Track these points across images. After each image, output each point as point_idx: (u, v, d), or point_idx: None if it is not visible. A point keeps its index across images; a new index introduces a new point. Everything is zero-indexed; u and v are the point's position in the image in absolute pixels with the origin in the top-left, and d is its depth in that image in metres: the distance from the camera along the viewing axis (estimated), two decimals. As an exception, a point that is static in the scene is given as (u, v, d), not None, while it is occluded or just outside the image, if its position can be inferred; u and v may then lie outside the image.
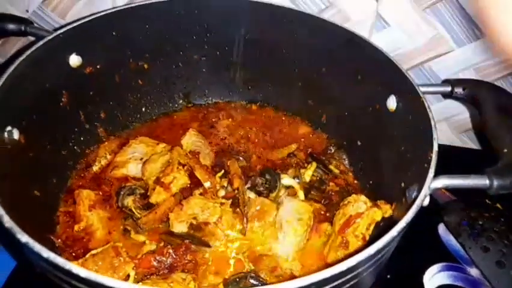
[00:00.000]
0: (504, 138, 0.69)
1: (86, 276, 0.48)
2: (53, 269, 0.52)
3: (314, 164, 0.95)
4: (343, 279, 0.53)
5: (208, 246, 0.81)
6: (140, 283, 0.72)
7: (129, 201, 0.87)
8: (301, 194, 0.90)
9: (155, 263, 0.76)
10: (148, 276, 0.74)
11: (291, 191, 0.90)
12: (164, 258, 0.76)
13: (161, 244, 0.80)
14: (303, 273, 0.78)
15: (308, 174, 0.93)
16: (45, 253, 0.50)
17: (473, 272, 0.93)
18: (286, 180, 0.91)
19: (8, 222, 0.54)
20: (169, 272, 0.75)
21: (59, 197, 0.89)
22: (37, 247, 0.51)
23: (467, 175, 0.64)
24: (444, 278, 0.92)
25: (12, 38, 1.22)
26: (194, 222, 0.83)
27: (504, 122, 0.71)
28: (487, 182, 0.63)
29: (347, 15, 1.06)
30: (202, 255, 0.79)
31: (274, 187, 0.89)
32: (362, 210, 0.79)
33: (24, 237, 0.52)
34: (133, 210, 0.85)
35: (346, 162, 1.00)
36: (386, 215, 0.78)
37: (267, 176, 0.90)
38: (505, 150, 0.67)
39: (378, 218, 0.78)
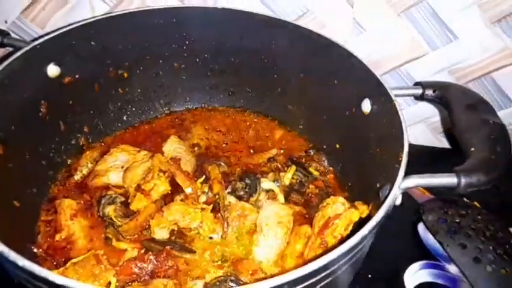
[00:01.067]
0: (471, 138, 0.71)
1: (62, 283, 0.49)
2: (30, 278, 0.52)
3: (293, 167, 0.96)
4: (318, 277, 0.55)
5: (190, 251, 0.82)
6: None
7: (110, 210, 0.87)
8: (281, 197, 0.91)
9: (136, 270, 0.76)
10: (130, 283, 0.75)
11: (271, 194, 0.92)
12: (145, 265, 0.76)
13: (143, 251, 0.80)
14: (283, 275, 0.80)
15: (288, 177, 0.95)
16: (21, 261, 0.51)
17: (452, 269, 0.96)
18: (266, 184, 0.92)
19: (-17, 232, 0.54)
20: (150, 278, 0.76)
21: (39, 206, 0.89)
22: (12, 255, 0.51)
23: (436, 174, 0.66)
24: (425, 275, 0.94)
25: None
26: (175, 228, 0.84)
27: (471, 122, 0.74)
28: (455, 180, 0.65)
29: (323, 21, 1.09)
30: (183, 261, 0.80)
31: (255, 191, 0.90)
32: (339, 212, 0.80)
33: (-1, 247, 0.53)
34: (113, 219, 0.86)
35: (325, 164, 1.02)
36: (364, 216, 0.79)
37: (247, 181, 0.91)
38: (472, 149, 0.69)
39: (356, 219, 0.79)
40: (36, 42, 0.84)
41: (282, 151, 1.05)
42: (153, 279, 0.75)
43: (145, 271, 0.76)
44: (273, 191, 0.92)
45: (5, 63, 0.79)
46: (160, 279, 0.75)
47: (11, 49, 1.09)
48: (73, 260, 0.74)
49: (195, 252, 0.82)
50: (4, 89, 0.78)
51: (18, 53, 0.81)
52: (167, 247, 0.80)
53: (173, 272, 0.77)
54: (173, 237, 0.83)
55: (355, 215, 0.79)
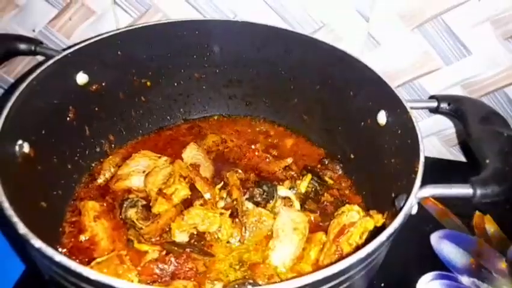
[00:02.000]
0: (486, 149, 0.73)
1: (95, 279, 0.52)
2: (64, 273, 0.55)
3: (309, 176, 0.99)
4: (335, 282, 0.57)
5: (209, 255, 0.84)
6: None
7: (132, 213, 0.90)
8: (297, 204, 0.93)
9: (157, 271, 0.79)
10: (151, 283, 0.77)
11: (287, 201, 0.94)
12: (166, 266, 0.79)
13: (164, 253, 0.82)
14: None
15: (303, 185, 0.97)
16: (58, 257, 0.54)
17: (465, 280, 0.97)
18: (282, 191, 0.94)
19: (22, 229, 0.58)
20: (171, 279, 0.78)
21: (64, 208, 0.92)
22: (50, 251, 0.54)
23: (452, 184, 0.68)
24: (437, 286, 0.95)
25: (19, 56, 1.28)
26: (195, 232, 0.87)
27: (486, 134, 0.76)
28: (471, 191, 0.67)
29: (339, 35, 1.12)
30: (203, 263, 0.82)
31: (272, 198, 0.92)
32: (354, 220, 0.83)
33: (37, 243, 0.56)
34: (135, 221, 0.88)
35: (340, 173, 1.04)
36: (378, 224, 0.81)
37: (264, 188, 0.93)
38: (487, 161, 0.71)
39: (371, 227, 0.81)
40: (68, 51, 0.89)
41: (297, 159, 1.07)
42: (173, 280, 0.78)
43: (165, 272, 0.79)
44: (289, 198, 0.94)
45: (38, 70, 0.83)
46: (180, 280, 0.78)
47: (39, 57, 1.15)
48: (98, 260, 0.77)
49: (213, 255, 0.84)
50: (37, 94, 0.82)
51: (51, 61, 0.85)
52: (187, 250, 0.82)
53: (193, 274, 0.80)
54: (192, 241, 0.86)
55: (370, 224, 0.81)
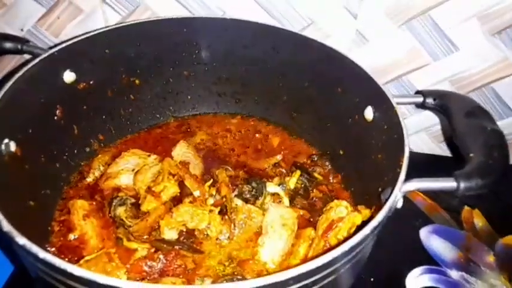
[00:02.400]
0: (470, 144, 0.74)
1: (80, 275, 0.52)
2: (50, 270, 0.55)
3: (298, 172, 0.99)
4: (321, 275, 0.57)
5: (198, 252, 0.85)
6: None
7: (121, 211, 0.89)
8: (286, 201, 0.94)
9: (146, 268, 0.79)
10: (139, 281, 0.77)
11: (276, 198, 0.94)
12: (155, 264, 0.79)
13: (153, 250, 0.82)
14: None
15: (293, 181, 0.97)
16: (42, 254, 0.54)
17: (453, 274, 0.98)
18: (271, 187, 0.94)
19: (6, 226, 0.58)
20: (160, 276, 0.79)
21: (53, 207, 0.91)
22: (34, 248, 0.54)
23: (436, 178, 0.69)
24: (426, 280, 0.96)
25: (7, 55, 1.27)
26: (184, 229, 0.87)
27: (470, 128, 0.77)
28: (454, 184, 0.68)
29: (327, 32, 1.12)
30: (192, 260, 0.82)
31: (261, 194, 0.92)
32: (343, 215, 0.83)
33: (22, 240, 0.56)
34: (124, 219, 0.88)
35: (329, 169, 1.05)
36: (366, 219, 0.82)
37: (253, 184, 0.93)
38: (471, 155, 0.72)
39: (359, 222, 0.82)
40: (54, 49, 0.88)
41: (286, 156, 1.08)
42: (162, 278, 0.78)
43: (154, 269, 0.79)
44: (278, 194, 0.94)
45: (25, 68, 0.82)
46: (169, 277, 0.78)
47: (27, 56, 1.15)
48: (86, 258, 0.77)
49: (202, 252, 0.84)
50: (23, 93, 0.81)
51: (37, 59, 0.85)
52: (176, 247, 0.83)
53: (181, 271, 0.80)
54: (182, 238, 0.86)
55: (358, 218, 0.82)
